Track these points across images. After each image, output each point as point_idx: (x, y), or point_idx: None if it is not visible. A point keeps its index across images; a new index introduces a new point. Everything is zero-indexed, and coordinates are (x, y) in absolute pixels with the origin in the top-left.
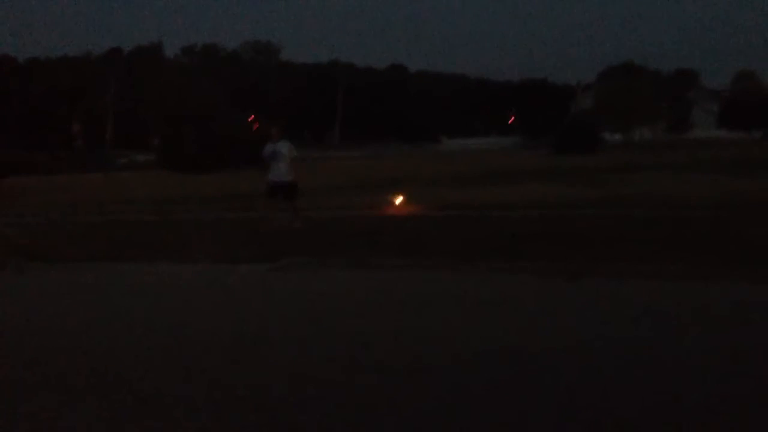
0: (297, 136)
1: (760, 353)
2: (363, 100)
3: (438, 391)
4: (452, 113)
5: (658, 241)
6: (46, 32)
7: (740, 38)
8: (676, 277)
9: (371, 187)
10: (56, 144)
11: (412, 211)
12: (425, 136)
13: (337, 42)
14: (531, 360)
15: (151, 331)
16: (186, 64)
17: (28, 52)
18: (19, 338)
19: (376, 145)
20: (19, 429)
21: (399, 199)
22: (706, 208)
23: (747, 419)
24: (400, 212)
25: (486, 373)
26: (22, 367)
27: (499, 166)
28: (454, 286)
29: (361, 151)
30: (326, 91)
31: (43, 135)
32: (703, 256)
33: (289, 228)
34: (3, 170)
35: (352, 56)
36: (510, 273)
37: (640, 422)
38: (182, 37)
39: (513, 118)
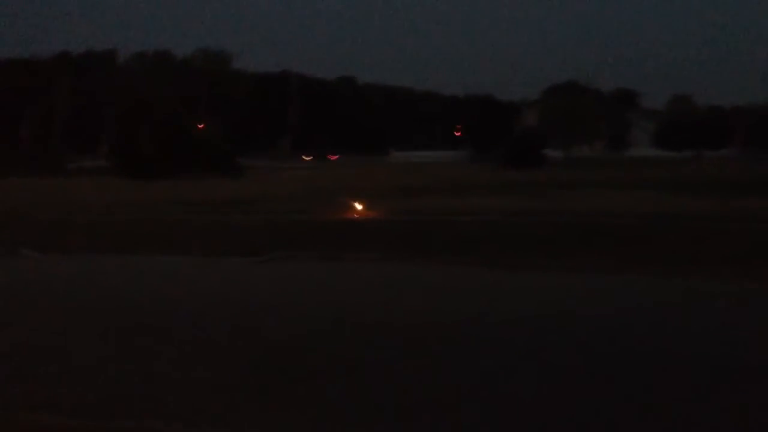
0: (248, 146)
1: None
2: (314, 111)
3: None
4: (400, 126)
5: (583, 244)
6: None
7: (678, 62)
8: (587, 272)
9: (328, 196)
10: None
11: (371, 216)
12: (374, 148)
13: (287, 53)
14: (474, 329)
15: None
16: (138, 70)
17: None
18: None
19: (326, 157)
20: None
21: (359, 206)
22: (630, 218)
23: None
24: (361, 217)
25: (431, 335)
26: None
27: (447, 178)
28: (413, 274)
29: (311, 162)
30: (277, 100)
31: None
32: (612, 256)
33: None
34: None
35: (303, 67)
36: (458, 265)
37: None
38: (134, 43)
39: (460, 132)
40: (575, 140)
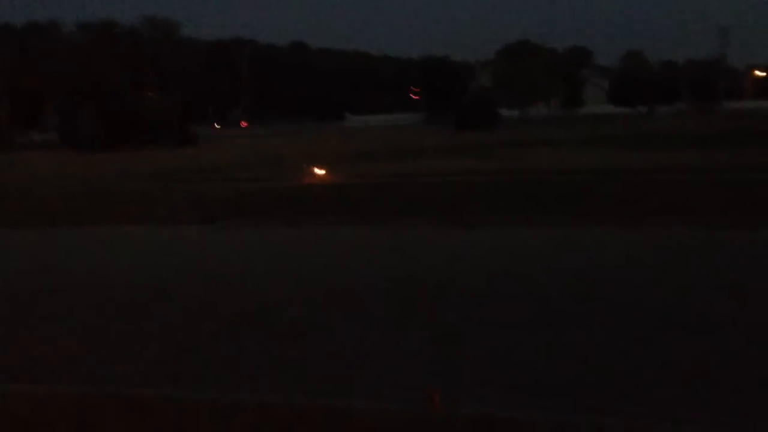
0: (201, 115)
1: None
2: (266, 78)
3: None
4: (355, 90)
5: (534, 200)
6: None
7: (630, 19)
8: (537, 225)
9: (283, 163)
10: None
11: (331, 181)
12: (329, 114)
13: (236, 19)
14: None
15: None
16: (83, 41)
17: None
18: None
19: (281, 123)
20: None
21: (320, 171)
22: (579, 175)
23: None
24: (320, 182)
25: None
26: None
27: (404, 142)
28: (373, 236)
29: (265, 129)
30: (228, 68)
31: None
32: (559, 210)
33: None
34: None
35: (253, 34)
36: (418, 226)
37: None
38: (77, 13)
39: (416, 94)
40: (530, 100)
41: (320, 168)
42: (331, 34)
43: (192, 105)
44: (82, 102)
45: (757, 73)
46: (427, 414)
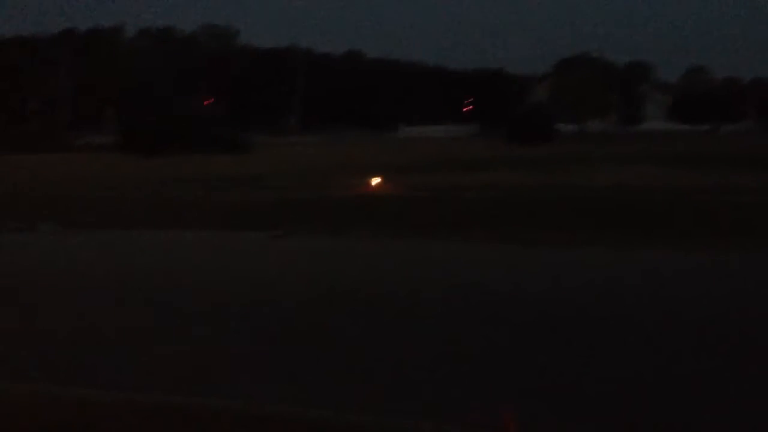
0: (255, 122)
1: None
2: (321, 86)
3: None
4: (409, 101)
5: (594, 218)
6: None
7: (693, 34)
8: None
9: (339, 172)
10: (5, 124)
11: (387, 192)
12: (383, 124)
13: (294, 27)
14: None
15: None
16: (143, 47)
17: None
18: None
19: (334, 132)
20: None
21: (376, 181)
22: (639, 194)
23: None
24: (378, 193)
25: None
26: None
27: (457, 154)
28: (440, 251)
29: (319, 137)
30: (284, 76)
31: None
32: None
33: None
34: None
35: (310, 42)
36: (475, 240)
37: None
38: (138, 20)
39: (470, 106)
40: (587, 114)
41: (375, 179)
42: (387, 44)
43: (246, 112)
44: (140, 107)
45: None
46: None
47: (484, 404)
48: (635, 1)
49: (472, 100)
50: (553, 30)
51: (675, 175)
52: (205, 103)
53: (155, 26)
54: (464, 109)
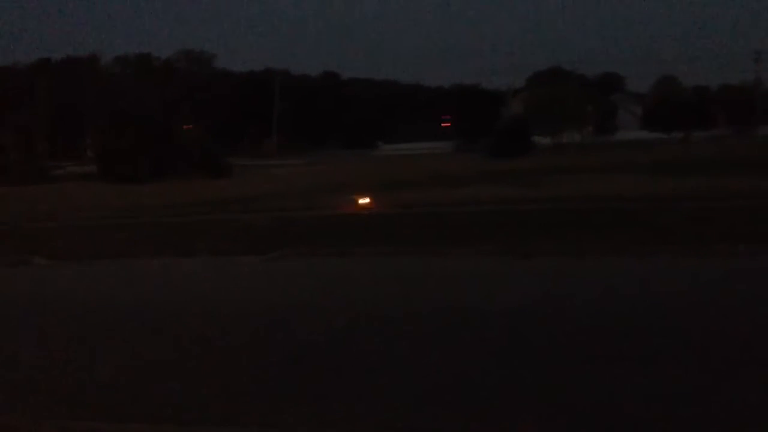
0: (234, 145)
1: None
2: (299, 108)
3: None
4: (387, 119)
5: (584, 227)
6: None
7: (661, 44)
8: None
9: (323, 192)
10: None
11: (375, 210)
12: (362, 142)
13: (269, 51)
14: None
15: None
16: (120, 74)
17: None
18: None
19: (314, 152)
20: None
21: (363, 200)
22: (621, 202)
23: None
24: (364, 211)
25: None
26: None
27: (438, 169)
28: (435, 265)
29: (299, 158)
30: (262, 99)
31: None
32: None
33: None
34: None
35: (286, 65)
36: (472, 255)
37: None
38: (114, 48)
39: (448, 123)
40: (562, 126)
41: (363, 197)
42: (362, 64)
43: (226, 136)
44: (120, 133)
45: None
46: None
47: None
48: (604, 15)
49: (449, 117)
50: (523, 44)
51: (655, 183)
52: (185, 127)
53: (132, 53)
54: (443, 125)
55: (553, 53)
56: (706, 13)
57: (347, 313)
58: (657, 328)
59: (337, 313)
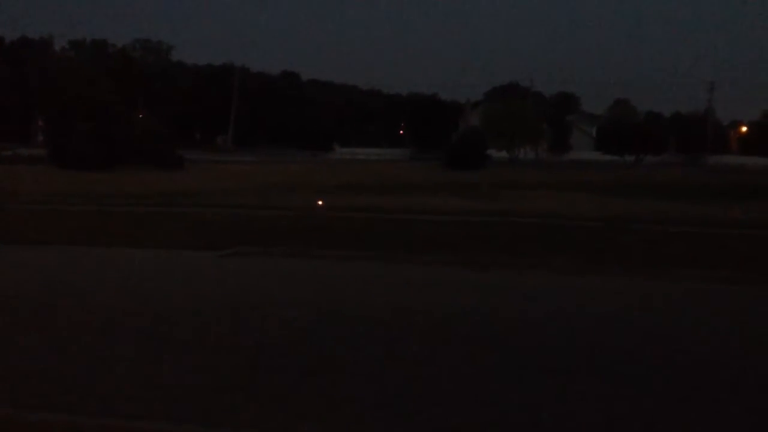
0: (188, 139)
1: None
2: (256, 105)
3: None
4: (344, 122)
5: (542, 244)
6: None
7: (618, 68)
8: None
9: (277, 191)
10: None
11: (328, 213)
12: (317, 144)
13: (229, 46)
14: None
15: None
16: (74, 59)
17: None
18: None
19: (269, 151)
20: None
21: (318, 202)
22: (578, 221)
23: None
24: (317, 213)
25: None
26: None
27: (393, 177)
28: (391, 271)
29: (254, 155)
30: (218, 93)
31: None
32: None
33: None
34: None
35: (245, 61)
36: (430, 265)
37: None
38: (69, 32)
39: (403, 130)
40: (518, 142)
41: (316, 198)
42: (323, 66)
43: (180, 128)
44: (72, 118)
45: (743, 129)
46: None
47: None
48: (562, 36)
49: (405, 124)
50: (483, 58)
51: (607, 203)
52: (139, 116)
53: (88, 38)
54: (400, 132)
55: (511, 69)
56: (665, 39)
57: (300, 311)
58: (583, 344)
59: (288, 311)
